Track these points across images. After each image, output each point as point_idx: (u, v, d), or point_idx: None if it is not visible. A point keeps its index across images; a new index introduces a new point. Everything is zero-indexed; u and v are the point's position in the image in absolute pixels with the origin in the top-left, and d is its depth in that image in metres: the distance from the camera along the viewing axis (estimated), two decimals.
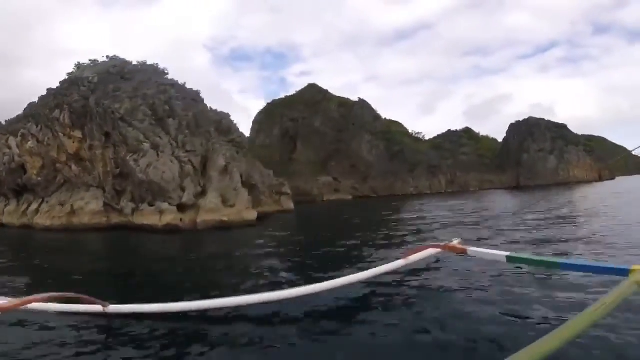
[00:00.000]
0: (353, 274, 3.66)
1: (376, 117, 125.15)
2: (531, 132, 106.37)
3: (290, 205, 41.59)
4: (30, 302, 2.41)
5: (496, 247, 4.87)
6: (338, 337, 2.97)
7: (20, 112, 39.63)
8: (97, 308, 2.77)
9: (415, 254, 3.58)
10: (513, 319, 3.11)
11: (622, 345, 2.70)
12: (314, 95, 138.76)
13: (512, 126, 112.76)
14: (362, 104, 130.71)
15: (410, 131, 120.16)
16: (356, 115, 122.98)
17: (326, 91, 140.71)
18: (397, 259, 3.78)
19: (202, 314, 3.32)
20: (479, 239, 7.48)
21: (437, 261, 4.74)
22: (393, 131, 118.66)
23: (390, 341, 2.90)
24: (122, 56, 44.18)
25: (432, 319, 3.24)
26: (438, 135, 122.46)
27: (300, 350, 2.83)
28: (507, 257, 2.56)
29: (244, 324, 3.26)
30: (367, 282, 3.88)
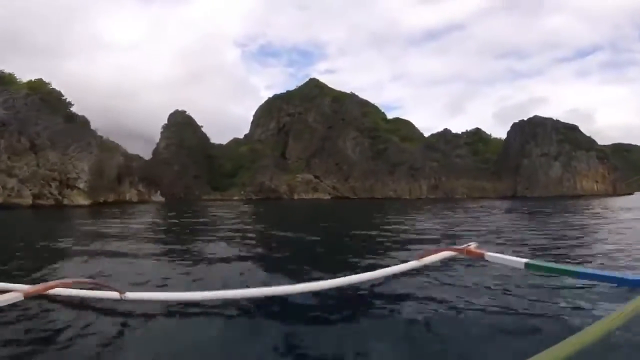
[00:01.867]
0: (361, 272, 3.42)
1: (365, 112, 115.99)
2: (534, 134, 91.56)
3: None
4: (53, 287, 2.51)
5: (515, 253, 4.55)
6: (342, 334, 2.88)
7: None
8: (114, 294, 2.87)
9: (430, 256, 3.40)
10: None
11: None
12: (311, 90, 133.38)
13: (514, 126, 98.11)
14: (353, 98, 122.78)
15: (424, 133, 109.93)
16: (346, 111, 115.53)
17: (324, 85, 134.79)
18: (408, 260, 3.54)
19: (219, 303, 3.24)
20: None
21: (452, 264, 4.48)
22: (381, 128, 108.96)
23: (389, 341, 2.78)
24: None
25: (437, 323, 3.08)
26: (432, 135, 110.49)
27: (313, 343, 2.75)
28: (526, 263, 2.54)
29: (244, 318, 3.14)
30: (375, 282, 3.73)
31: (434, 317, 3.16)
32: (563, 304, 3.33)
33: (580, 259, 5.99)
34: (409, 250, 7.24)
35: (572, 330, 1.21)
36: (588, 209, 22.15)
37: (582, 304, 3.30)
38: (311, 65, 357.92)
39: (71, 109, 49.44)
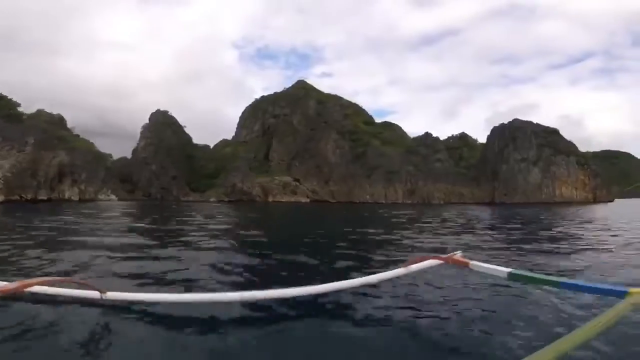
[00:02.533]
0: (349, 279, 3.59)
1: (347, 115, 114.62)
2: (514, 138, 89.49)
3: None
4: (32, 284, 2.52)
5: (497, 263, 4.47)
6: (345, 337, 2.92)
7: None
8: (95, 294, 2.87)
9: (417, 264, 3.48)
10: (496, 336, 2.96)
11: None
12: (297, 92, 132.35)
13: (494, 130, 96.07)
14: (337, 100, 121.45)
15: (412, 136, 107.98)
16: (328, 113, 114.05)
17: (311, 87, 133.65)
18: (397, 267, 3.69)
19: (203, 306, 3.21)
20: None
21: (436, 272, 4.40)
22: (361, 130, 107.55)
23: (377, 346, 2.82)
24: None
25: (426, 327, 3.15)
26: (414, 139, 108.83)
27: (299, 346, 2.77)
28: (509, 273, 2.64)
29: (229, 323, 3.06)
30: (361, 288, 3.76)
31: (419, 324, 3.14)
32: (543, 313, 3.35)
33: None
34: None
35: (551, 338, 1.26)
36: (551, 219, 21.00)
37: (562, 313, 3.32)
38: (308, 69, 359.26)
39: (19, 108, 48.94)
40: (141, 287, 4.11)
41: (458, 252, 3.68)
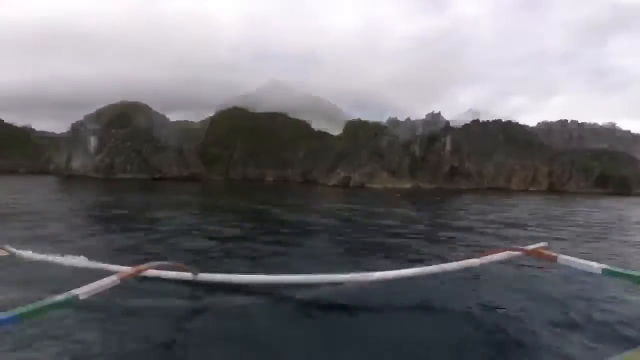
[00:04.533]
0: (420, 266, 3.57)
1: None
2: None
3: None
4: (143, 270, 2.89)
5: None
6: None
7: None
8: (188, 275, 3.36)
9: (493, 255, 3.33)
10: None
11: None
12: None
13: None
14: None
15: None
16: None
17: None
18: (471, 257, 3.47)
19: (294, 288, 3.52)
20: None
21: (517, 265, 4.44)
22: None
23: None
24: None
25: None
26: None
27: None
28: (604, 269, 2.43)
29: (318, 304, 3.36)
30: (433, 277, 3.67)
31: (489, 317, 3.04)
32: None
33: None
34: None
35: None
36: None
37: None
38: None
39: None
40: (229, 270, 4.41)
41: (542, 243, 3.40)
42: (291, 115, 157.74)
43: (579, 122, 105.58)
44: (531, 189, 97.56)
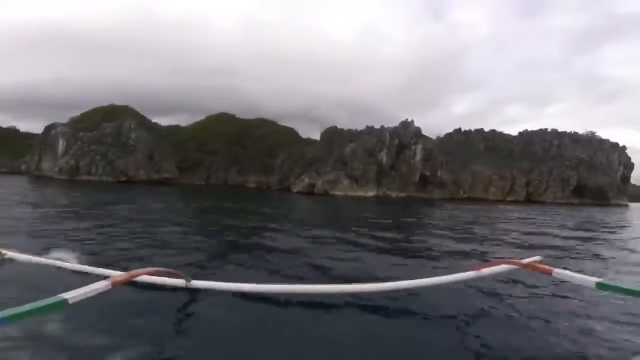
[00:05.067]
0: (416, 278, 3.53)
1: None
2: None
3: None
4: (138, 275, 2.89)
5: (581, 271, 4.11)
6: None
7: None
8: (181, 282, 3.30)
9: (489, 268, 3.35)
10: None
11: None
12: None
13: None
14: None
15: None
16: None
17: None
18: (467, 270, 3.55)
19: (290, 297, 3.58)
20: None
21: (511, 279, 4.51)
22: None
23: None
24: None
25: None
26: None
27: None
28: (597, 283, 2.48)
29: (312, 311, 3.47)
30: (428, 289, 3.71)
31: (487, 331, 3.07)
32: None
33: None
34: None
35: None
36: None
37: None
38: None
39: None
40: (222, 278, 4.38)
41: (537, 257, 3.45)
42: (281, 122, 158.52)
43: (559, 130, 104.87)
44: (509, 199, 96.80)
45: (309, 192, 61.24)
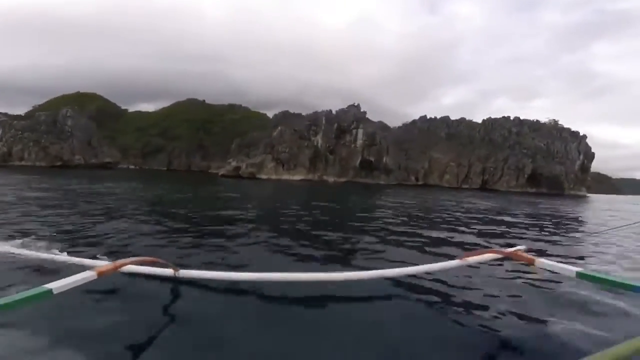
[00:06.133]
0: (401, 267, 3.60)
1: None
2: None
3: None
4: (123, 265, 2.85)
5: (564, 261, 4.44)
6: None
7: None
8: (169, 272, 3.23)
9: (474, 257, 3.41)
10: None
11: None
12: None
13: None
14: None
15: None
16: None
17: None
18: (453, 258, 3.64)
19: (274, 285, 3.55)
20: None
21: (498, 265, 4.58)
22: None
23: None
24: None
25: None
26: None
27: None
28: (578, 273, 2.57)
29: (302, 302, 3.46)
30: (415, 277, 3.91)
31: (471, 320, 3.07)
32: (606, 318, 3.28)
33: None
34: None
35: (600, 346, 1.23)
36: None
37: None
38: None
39: None
40: (211, 266, 4.36)
41: (522, 246, 3.51)
42: (268, 110, 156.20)
43: (521, 118, 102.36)
44: (464, 186, 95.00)
45: (235, 175, 59.49)
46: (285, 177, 59.54)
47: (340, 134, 72.89)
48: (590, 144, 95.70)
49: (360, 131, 73.55)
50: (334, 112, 76.05)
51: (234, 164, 61.14)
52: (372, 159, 76.14)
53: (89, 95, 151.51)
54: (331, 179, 68.48)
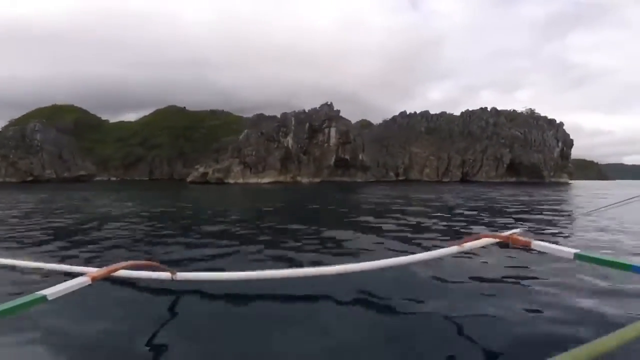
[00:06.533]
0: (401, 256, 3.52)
1: None
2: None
3: None
4: (117, 269, 2.77)
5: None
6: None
7: None
8: (166, 275, 3.14)
9: (472, 242, 3.43)
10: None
11: None
12: None
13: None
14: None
15: None
16: None
17: None
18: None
19: (274, 283, 3.43)
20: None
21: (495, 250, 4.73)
22: None
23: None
24: None
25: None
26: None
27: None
28: (575, 254, 2.59)
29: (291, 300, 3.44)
30: (415, 265, 3.99)
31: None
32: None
33: None
34: None
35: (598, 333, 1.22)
36: None
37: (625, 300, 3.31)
38: None
39: None
40: (209, 268, 4.29)
41: (518, 229, 3.53)
42: (238, 113, 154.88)
43: (498, 108, 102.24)
44: (444, 179, 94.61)
45: (203, 181, 58.39)
46: (253, 180, 58.52)
47: (312, 134, 72.08)
48: (576, 132, 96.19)
49: (333, 129, 72.80)
50: (306, 111, 75.29)
51: (201, 170, 60.02)
52: (347, 157, 75.43)
53: (66, 107, 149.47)
54: (305, 180, 67.66)
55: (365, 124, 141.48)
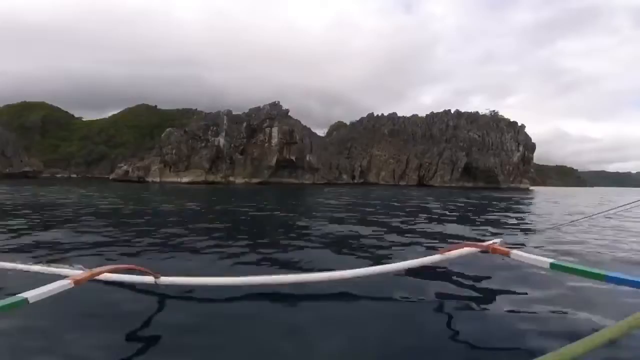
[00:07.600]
0: (383, 264, 3.63)
1: None
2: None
3: None
4: (100, 273, 2.79)
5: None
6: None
7: None
8: (150, 279, 3.16)
9: (454, 251, 3.49)
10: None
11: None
12: None
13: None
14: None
15: None
16: None
17: None
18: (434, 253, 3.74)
19: (257, 289, 3.53)
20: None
21: (475, 260, 4.53)
22: None
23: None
24: None
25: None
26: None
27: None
28: (551, 264, 2.66)
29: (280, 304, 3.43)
30: (396, 274, 3.97)
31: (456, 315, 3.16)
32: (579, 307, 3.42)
33: None
34: None
35: (578, 335, 1.27)
36: None
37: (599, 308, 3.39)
38: None
39: None
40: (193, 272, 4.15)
41: (498, 239, 3.62)
42: (207, 111, 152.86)
43: (461, 110, 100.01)
44: (401, 183, 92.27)
45: (125, 179, 56.33)
46: (172, 179, 56.38)
47: (251, 133, 69.94)
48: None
49: (275, 129, 70.62)
50: (247, 110, 73.30)
51: (124, 167, 57.97)
52: (292, 157, 73.21)
53: (35, 104, 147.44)
54: (240, 180, 65.48)
55: (341, 125, 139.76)
